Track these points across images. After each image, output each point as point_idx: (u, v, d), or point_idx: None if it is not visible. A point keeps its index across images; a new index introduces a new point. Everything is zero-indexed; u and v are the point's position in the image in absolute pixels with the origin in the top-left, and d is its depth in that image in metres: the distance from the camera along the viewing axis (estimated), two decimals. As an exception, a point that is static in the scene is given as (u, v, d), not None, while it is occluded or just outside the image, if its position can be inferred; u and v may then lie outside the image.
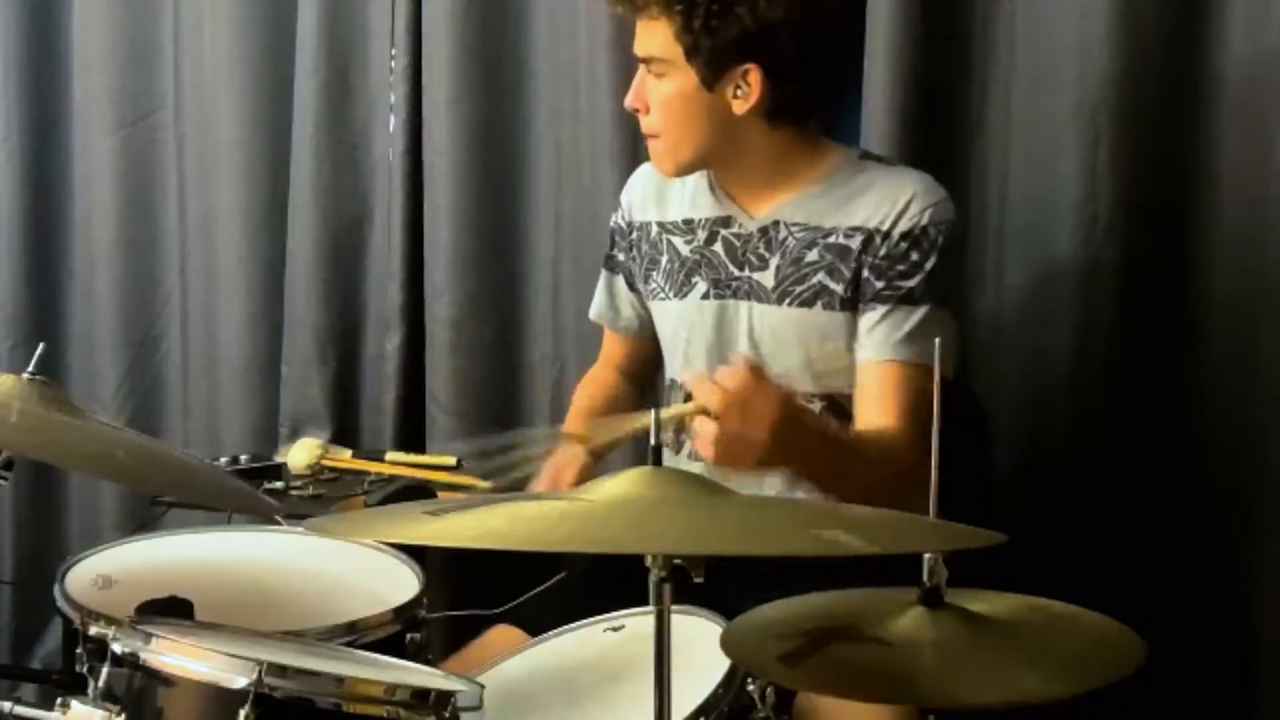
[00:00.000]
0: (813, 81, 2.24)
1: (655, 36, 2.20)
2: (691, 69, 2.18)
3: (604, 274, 2.52)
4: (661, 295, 2.37)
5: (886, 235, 2.20)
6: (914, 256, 2.19)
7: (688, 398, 2.05)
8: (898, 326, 2.20)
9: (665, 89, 2.21)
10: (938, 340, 2.13)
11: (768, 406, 1.94)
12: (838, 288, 2.23)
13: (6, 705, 1.80)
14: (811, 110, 2.27)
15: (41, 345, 2.07)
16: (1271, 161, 2.39)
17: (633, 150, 2.80)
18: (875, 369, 2.20)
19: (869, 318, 2.21)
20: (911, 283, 2.19)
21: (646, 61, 2.23)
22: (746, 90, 2.19)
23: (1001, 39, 2.60)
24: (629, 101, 2.27)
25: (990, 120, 2.63)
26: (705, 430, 1.93)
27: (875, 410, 2.19)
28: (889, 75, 2.62)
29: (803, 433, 2.00)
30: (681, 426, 2.18)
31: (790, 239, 2.26)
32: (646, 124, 2.27)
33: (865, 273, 2.21)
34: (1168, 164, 2.49)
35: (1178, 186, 2.49)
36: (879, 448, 2.11)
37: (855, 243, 2.22)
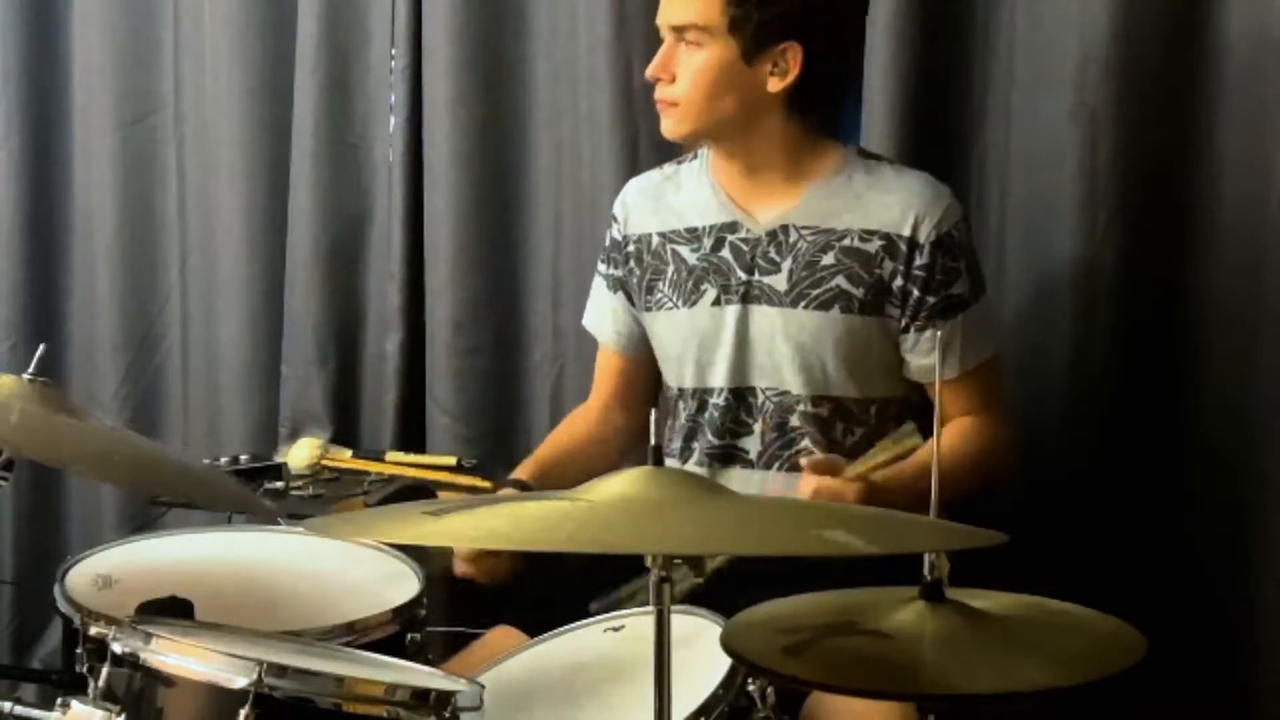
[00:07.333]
0: (841, 69, 2.26)
1: (696, 3, 2.18)
2: (733, 41, 2.17)
3: (602, 292, 2.48)
4: (669, 305, 2.35)
5: (916, 245, 2.22)
6: (950, 263, 2.24)
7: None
8: (962, 336, 2.25)
9: (700, 59, 2.19)
10: (937, 334, 2.19)
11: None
12: (858, 292, 2.24)
13: (6, 705, 1.80)
14: (827, 101, 2.27)
15: (42, 346, 2.06)
16: (1272, 161, 2.38)
17: (632, 150, 2.80)
18: (955, 385, 2.25)
19: (928, 335, 2.23)
20: (958, 288, 2.25)
21: (681, 29, 2.20)
22: (784, 68, 2.19)
23: (1001, 39, 2.60)
24: (652, 70, 2.24)
25: (990, 120, 2.63)
26: None
27: (971, 413, 2.27)
28: (889, 75, 2.62)
29: (885, 502, 2.02)
30: None
31: (802, 242, 2.26)
32: (667, 92, 2.24)
33: (899, 282, 2.23)
34: (1168, 164, 2.49)
35: (1178, 187, 2.49)
36: (955, 455, 2.15)
37: (874, 247, 2.23)
